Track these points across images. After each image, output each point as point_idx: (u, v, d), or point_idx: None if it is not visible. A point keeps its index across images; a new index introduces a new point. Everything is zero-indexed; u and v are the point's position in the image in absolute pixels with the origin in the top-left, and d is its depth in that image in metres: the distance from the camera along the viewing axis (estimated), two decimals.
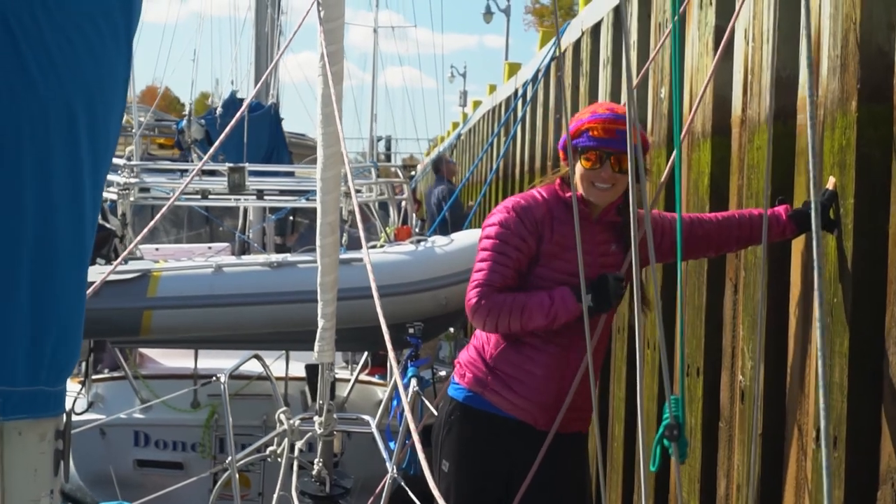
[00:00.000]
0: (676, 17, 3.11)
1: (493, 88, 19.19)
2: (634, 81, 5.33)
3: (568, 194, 4.23)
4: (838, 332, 3.50)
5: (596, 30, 7.78)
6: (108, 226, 8.51)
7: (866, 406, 3.40)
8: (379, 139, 38.87)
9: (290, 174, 10.42)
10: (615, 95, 7.04)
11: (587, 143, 4.15)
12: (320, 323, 5.42)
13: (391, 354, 4.25)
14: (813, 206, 2.71)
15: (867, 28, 3.41)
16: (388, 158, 35.42)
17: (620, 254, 4.28)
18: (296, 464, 5.78)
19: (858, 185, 3.44)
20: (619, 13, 7.01)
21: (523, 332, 4.23)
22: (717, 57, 4.03)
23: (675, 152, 3.37)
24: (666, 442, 3.53)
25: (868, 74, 3.41)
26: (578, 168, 4.18)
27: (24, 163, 1.95)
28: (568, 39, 8.75)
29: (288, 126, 13.90)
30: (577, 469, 4.48)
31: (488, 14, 38.91)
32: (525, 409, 4.31)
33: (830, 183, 3.61)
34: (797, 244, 3.88)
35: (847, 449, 3.43)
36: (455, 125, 33.21)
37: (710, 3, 4.78)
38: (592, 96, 7.80)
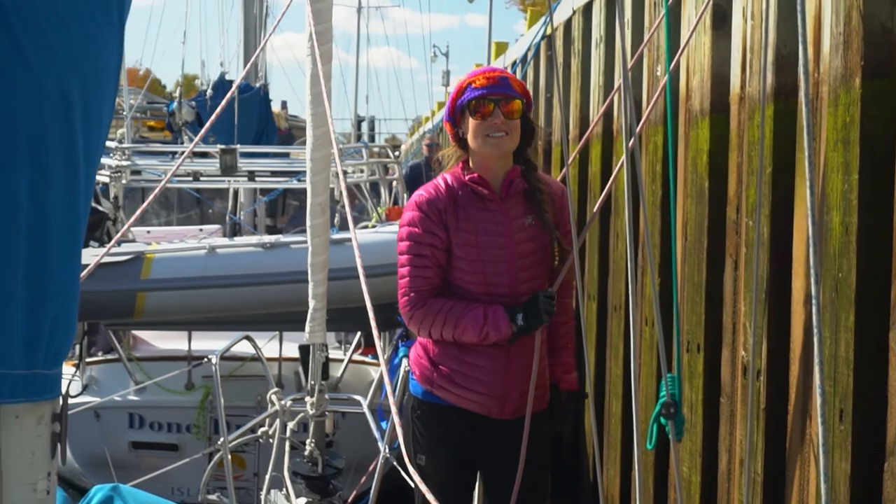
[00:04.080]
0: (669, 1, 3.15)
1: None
2: (630, 60, 5.35)
3: (468, 176, 4.28)
4: (844, 307, 3.53)
5: (588, 9, 7.79)
6: (100, 209, 8.52)
7: (872, 379, 3.43)
8: (361, 120, 38.78)
9: (281, 155, 10.45)
10: (608, 74, 7.06)
11: (472, 93, 4.23)
12: (311, 304, 5.45)
13: (376, 335, 4.29)
14: (808, 185, 2.72)
15: (870, 5, 3.43)
16: (372, 139, 35.38)
17: (537, 226, 4.32)
18: (288, 444, 5.80)
19: (862, 161, 3.46)
20: None
21: (456, 342, 4.26)
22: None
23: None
24: (662, 420, 3.57)
25: (871, 51, 3.43)
26: (471, 126, 4.23)
27: (19, 143, 1.94)
28: (558, 18, 8.75)
29: (275, 107, 13.89)
30: (543, 449, 4.53)
31: None
32: (476, 402, 4.35)
33: None
34: (799, 220, 3.90)
35: (853, 422, 3.46)
36: (441, 105, 33.17)
37: None
38: (584, 75, 7.81)
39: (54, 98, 1.98)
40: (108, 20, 2.08)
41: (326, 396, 5.61)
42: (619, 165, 4.63)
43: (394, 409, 4.04)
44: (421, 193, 4.32)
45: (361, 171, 9.53)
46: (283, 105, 17.71)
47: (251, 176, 9.01)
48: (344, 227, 8.55)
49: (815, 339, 2.50)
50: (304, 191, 9.44)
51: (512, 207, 4.30)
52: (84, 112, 2.04)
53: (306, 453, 5.63)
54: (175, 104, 12.14)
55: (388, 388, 4.16)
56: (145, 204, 6.05)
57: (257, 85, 12.76)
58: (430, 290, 4.24)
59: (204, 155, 9.49)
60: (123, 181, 8.75)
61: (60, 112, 1.99)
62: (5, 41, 1.90)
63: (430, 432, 4.42)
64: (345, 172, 7.77)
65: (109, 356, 8.52)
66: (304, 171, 8.67)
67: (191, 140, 11.45)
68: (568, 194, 4.06)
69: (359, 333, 8.75)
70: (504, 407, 4.34)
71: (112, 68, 2.12)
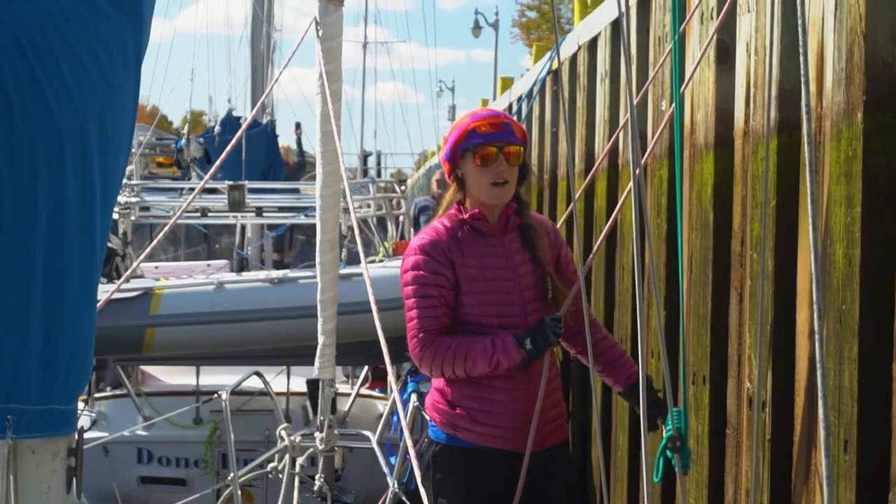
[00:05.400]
0: (676, 36, 3.19)
1: (485, 102, 19.23)
2: (636, 97, 5.40)
3: (467, 214, 4.33)
4: (847, 339, 3.56)
5: (593, 44, 7.85)
6: (109, 245, 8.55)
7: (876, 410, 3.46)
8: (368, 154, 38.86)
9: (288, 191, 10.49)
10: (613, 109, 7.11)
11: (476, 139, 4.26)
12: (321, 339, 5.46)
13: (390, 369, 4.31)
14: (811, 218, 2.76)
15: (871, 41, 3.48)
16: (379, 174, 35.46)
17: (533, 259, 4.37)
18: (297, 479, 5.81)
19: (865, 194, 3.50)
20: (617, 27, 7.08)
21: (469, 377, 4.28)
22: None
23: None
24: (669, 453, 3.59)
25: (873, 86, 3.48)
26: (473, 172, 4.27)
27: (40, 184, 1.98)
28: (564, 53, 8.82)
29: (289, 133, 13.96)
30: (563, 480, 4.55)
31: (477, 28, 38.97)
32: (499, 437, 4.32)
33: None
34: (803, 253, 3.94)
35: (858, 452, 3.49)
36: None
37: (711, 18, 4.85)
38: (590, 110, 7.86)
39: (74, 142, 2.02)
40: (125, 66, 2.12)
41: (336, 432, 5.63)
42: (623, 197, 4.68)
43: (409, 443, 4.06)
44: (422, 237, 4.34)
45: (369, 206, 9.57)
46: (297, 126, 17.64)
47: (259, 212, 9.06)
48: (351, 261, 8.58)
49: (819, 371, 2.53)
50: (311, 226, 9.51)
51: (511, 242, 4.35)
52: (101, 155, 2.07)
53: (315, 488, 5.64)
54: (183, 141, 12.19)
55: (403, 420, 4.18)
56: (154, 241, 6.08)
57: (265, 121, 12.83)
58: (438, 330, 4.25)
59: (212, 191, 9.54)
60: (132, 217, 8.79)
61: (79, 155, 2.03)
62: (27, 87, 1.95)
63: (453, 476, 4.39)
64: (355, 208, 7.81)
65: (118, 391, 8.54)
66: (312, 207, 8.76)
67: (199, 176, 11.51)
68: (576, 227, 4.10)
69: (366, 367, 8.76)
70: (525, 437, 4.30)
71: (128, 113, 2.16)
